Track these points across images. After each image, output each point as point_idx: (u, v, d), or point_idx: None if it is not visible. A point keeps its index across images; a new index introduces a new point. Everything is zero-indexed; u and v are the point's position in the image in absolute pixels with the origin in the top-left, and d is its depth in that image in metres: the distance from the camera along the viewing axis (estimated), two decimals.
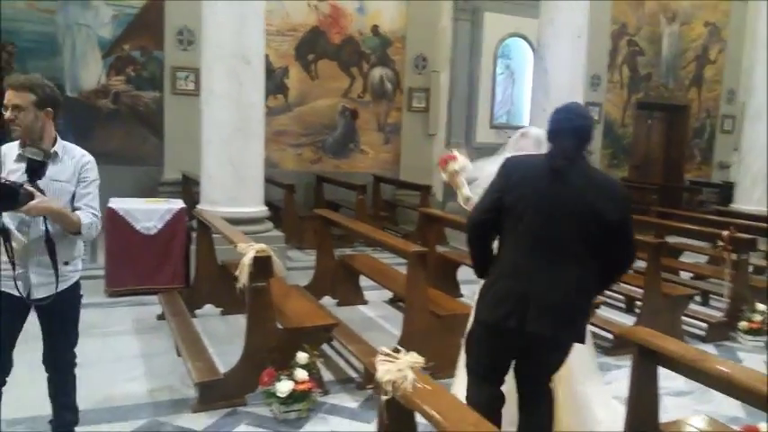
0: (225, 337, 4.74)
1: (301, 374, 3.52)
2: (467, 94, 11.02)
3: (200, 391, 3.54)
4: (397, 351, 2.15)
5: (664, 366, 2.44)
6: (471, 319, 2.87)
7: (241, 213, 5.90)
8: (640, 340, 2.45)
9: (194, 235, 5.72)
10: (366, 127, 10.40)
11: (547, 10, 7.39)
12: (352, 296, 5.71)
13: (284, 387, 3.45)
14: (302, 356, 3.59)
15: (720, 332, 5.44)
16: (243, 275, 3.48)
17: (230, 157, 5.90)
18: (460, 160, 3.63)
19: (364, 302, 5.80)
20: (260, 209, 6.20)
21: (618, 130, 12.53)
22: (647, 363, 2.46)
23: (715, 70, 13.26)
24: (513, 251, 2.51)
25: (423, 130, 10.72)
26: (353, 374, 4.20)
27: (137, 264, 5.60)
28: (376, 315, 5.55)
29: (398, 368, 2.03)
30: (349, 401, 3.79)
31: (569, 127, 2.56)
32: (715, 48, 13.16)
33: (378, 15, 10.15)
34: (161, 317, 5.02)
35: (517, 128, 10.94)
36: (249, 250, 3.54)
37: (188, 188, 8.47)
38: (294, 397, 3.46)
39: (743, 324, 5.34)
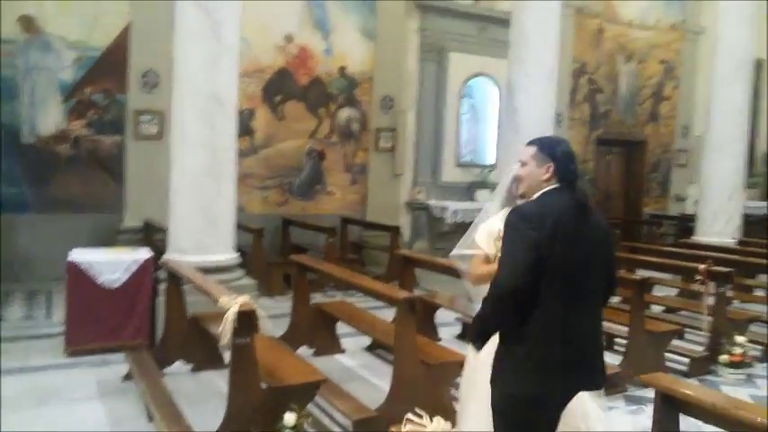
0: (198, 396, 4.46)
1: None
2: (433, 133, 11.02)
3: None
4: (420, 416, 1.94)
5: (687, 414, 2.30)
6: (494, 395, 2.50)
7: (211, 262, 5.65)
8: (663, 388, 2.31)
9: (161, 287, 5.46)
10: (333, 168, 10.27)
11: (517, 50, 7.46)
12: (330, 345, 5.48)
13: None
14: (290, 418, 3.35)
15: (702, 366, 5.40)
16: (226, 332, 3.24)
17: (201, 203, 5.67)
18: None
19: (341, 351, 5.57)
20: (231, 256, 5.96)
21: (580, 166, 12.67)
22: (668, 409, 2.33)
23: (670, 106, 13.64)
24: (557, 308, 2.31)
25: (390, 170, 10.65)
26: (337, 430, 3.95)
27: (99, 320, 5.26)
28: (356, 364, 5.32)
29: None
30: None
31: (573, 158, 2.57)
32: (669, 85, 13.57)
33: (345, 57, 10.12)
34: (127, 377, 4.70)
35: (482, 166, 11.30)
36: (232, 304, 3.31)
37: (150, 236, 8.16)
38: None
39: (724, 357, 5.30)
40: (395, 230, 8.86)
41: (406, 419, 2.01)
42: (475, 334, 2.49)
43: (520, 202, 2.87)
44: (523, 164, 2.66)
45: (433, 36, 10.82)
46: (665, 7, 13.25)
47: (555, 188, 2.54)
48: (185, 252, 5.60)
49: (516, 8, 7.52)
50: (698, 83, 13.86)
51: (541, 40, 7.40)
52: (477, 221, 3.40)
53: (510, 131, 7.50)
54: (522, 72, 7.44)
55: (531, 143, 2.70)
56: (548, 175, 2.55)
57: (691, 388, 2.30)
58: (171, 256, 5.67)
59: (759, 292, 7.52)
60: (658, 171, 13.64)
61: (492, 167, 11.53)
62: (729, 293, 7.15)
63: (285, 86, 9.74)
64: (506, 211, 3.15)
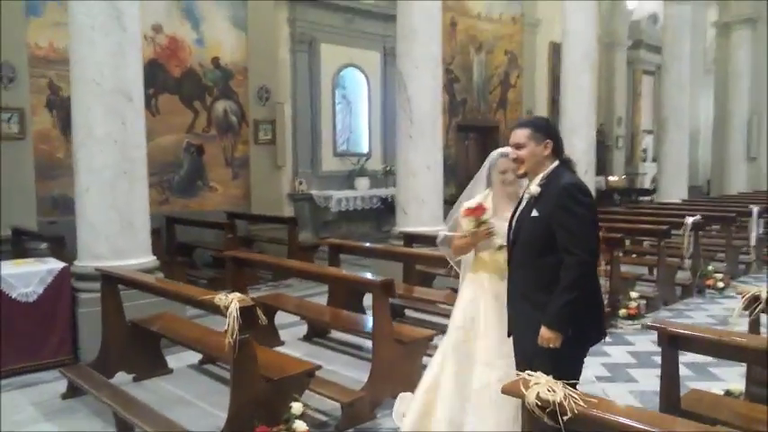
0: (161, 403, 4.24)
1: (301, 426, 3.32)
2: (310, 124, 11.09)
3: None
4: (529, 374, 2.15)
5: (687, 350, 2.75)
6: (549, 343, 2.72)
7: (130, 267, 5.33)
8: (667, 331, 2.73)
9: (81, 296, 5.10)
10: (213, 162, 9.97)
11: (405, 43, 7.79)
12: (271, 338, 5.44)
13: None
14: (297, 406, 3.40)
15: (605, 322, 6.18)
16: (233, 329, 3.19)
17: (115, 204, 5.33)
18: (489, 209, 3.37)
19: (281, 343, 5.56)
20: (149, 259, 5.66)
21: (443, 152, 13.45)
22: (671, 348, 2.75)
23: (515, 93, 14.91)
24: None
25: (271, 162, 10.56)
26: (323, 418, 4.03)
27: (17, 338, 4.78)
28: (302, 354, 5.34)
29: (549, 387, 2.02)
30: None
31: None
32: (514, 73, 14.81)
33: (217, 47, 9.84)
34: (67, 396, 4.36)
35: (358, 155, 11.59)
36: (230, 301, 3.27)
37: (21, 245, 7.45)
38: None
39: (623, 311, 6.10)
40: (292, 222, 8.85)
41: (518, 376, 2.18)
42: (569, 310, 2.64)
43: (522, 183, 3.16)
44: (520, 146, 2.90)
45: (304, 27, 10.86)
46: (507, 1, 14.41)
47: (560, 164, 2.87)
48: (101, 258, 5.24)
49: (402, 5, 7.84)
50: (537, 71, 15.31)
51: (427, 33, 7.82)
52: (460, 201, 3.66)
53: (405, 121, 7.83)
54: (412, 64, 7.80)
55: (522, 125, 2.97)
56: (548, 152, 2.87)
57: (687, 328, 2.75)
58: (84, 263, 5.30)
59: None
60: None
61: (368, 156, 11.89)
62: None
63: (157, 79, 9.25)
64: (489, 191, 3.46)
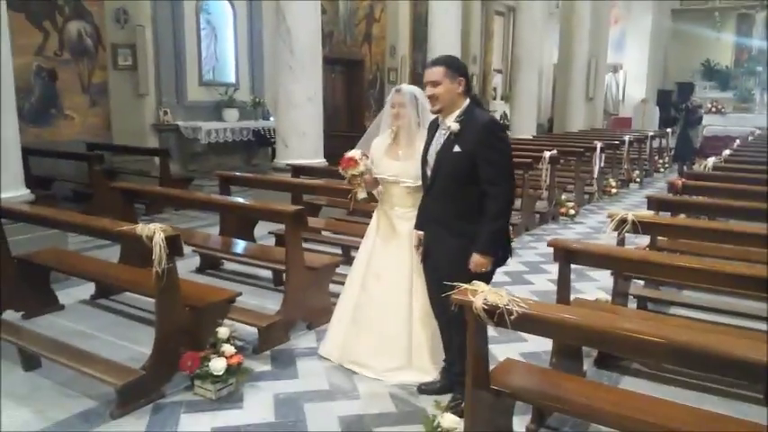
0: (63, 337, 4.13)
1: (229, 349, 3.44)
2: (173, 50, 10.53)
3: (121, 395, 3.18)
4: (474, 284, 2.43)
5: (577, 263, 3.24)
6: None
7: (5, 200, 4.95)
8: (562, 247, 3.19)
9: None
10: (68, 89, 9.22)
11: None
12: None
13: (219, 365, 3.34)
14: (224, 331, 3.49)
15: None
16: (161, 258, 3.19)
17: None
18: (362, 164, 3.58)
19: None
20: (23, 192, 5.29)
21: None
22: (565, 264, 3.22)
23: (380, 28, 15.06)
24: None
25: (132, 89, 9.96)
26: (239, 343, 4.14)
27: None
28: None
29: (494, 293, 2.31)
30: (261, 366, 3.81)
31: None
32: (378, 8, 14.91)
33: None
34: None
35: (226, 84, 11.23)
36: (153, 231, 3.26)
37: None
38: (229, 372, 3.39)
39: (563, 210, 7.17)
40: (164, 153, 8.51)
41: (460, 287, 2.44)
42: (499, 236, 2.99)
43: (433, 118, 3.39)
44: (436, 83, 3.09)
45: None
46: None
47: (472, 102, 3.15)
48: None
49: None
50: (400, 6, 15.51)
51: None
52: (368, 134, 3.87)
53: (285, 52, 7.73)
54: None
55: (435, 63, 3.16)
56: (461, 89, 3.10)
57: (578, 243, 3.23)
58: None
59: None
60: (375, 88, 15.13)
61: (236, 86, 11.55)
62: None
63: None
64: (387, 133, 3.66)
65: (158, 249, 3.21)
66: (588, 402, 2.38)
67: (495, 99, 19.96)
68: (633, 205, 9.55)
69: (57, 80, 9.02)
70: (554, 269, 3.80)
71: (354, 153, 3.63)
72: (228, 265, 5.84)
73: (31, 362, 3.68)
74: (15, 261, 4.46)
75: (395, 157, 3.58)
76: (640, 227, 3.80)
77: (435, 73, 3.08)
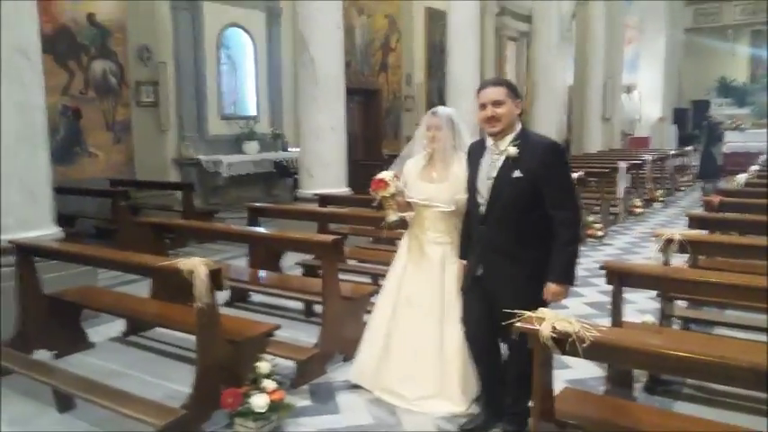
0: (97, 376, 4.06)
1: (270, 384, 3.35)
2: (194, 86, 10.64)
3: None
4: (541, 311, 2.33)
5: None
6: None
7: (34, 238, 4.95)
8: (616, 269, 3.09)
9: None
10: (93, 127, 9.30)
11: (306, 2, 7.68)
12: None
13: (261, 401, 3.25)
14: (264, 366, 3.41)
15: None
16: (204, 292, 3.13)
17: (17, 172, 4.89)
18: (392, 186, 3.53)
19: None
20: (55, 230, 5.28)
21: None
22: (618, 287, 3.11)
23: (395, 57, 15.16)
24: None
25: (155, 125, 10.06)
26: (276, 377, 4.06)
27: None
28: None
29: (561, 320, 2.21)
30: (300, 401, 3.71)
31: None
32: (394, 37, 15.04)
33: (92, 3, 9.09)
34: None
35: (246, 118, 11.30)
36: (195, 265, 3.20)
37: None
38: (271, 408, 3.30)
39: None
40: (188, 187, 8.53)
41: (522, 315, 2.35)
42: (573, 262, 2.91)
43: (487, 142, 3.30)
44: (499, 103, 2.97)
45: None
46: None
47: (522, 127, 3.06)
48: (6, 230, 4.82)
49: None
50: (415, 36, 15.63)
51: None
52: (401, 157, 3.80)
53: (309, 83, 7.76)
54: (314, 24, 7.71)
55: (496, 83, 3.06)
56: (519, 110, 3.03)
57: (632, 266, 3.13)
58: None
59: None
60: (391, 116, 15.18)
61: (255, 119, 11.63)
62: None
63: None
64: (421, 156, 3.60)
65: (200, 284, 3.15)
66: (660, 430, 2.26)
67: None
68: (659, 224, 9.40)
69: (81, 118, 9.11)
70: (600, 282, 3.79)
71: (385, 174, 3.57)
72: (256, 297, 5.77)
73: (65, 402, 3.61)
74: (47, 299, 4.42)
75: (429, 180, 3.52)
76: (689, 246, 3.69)
77: (498, 93, 2.98)
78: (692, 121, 20.00)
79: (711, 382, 2.59)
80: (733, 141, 16.73)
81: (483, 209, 3.04)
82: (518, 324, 2.30)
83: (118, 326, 4.92)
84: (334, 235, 6.55)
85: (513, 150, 2.93)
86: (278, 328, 3.75)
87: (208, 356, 3.33)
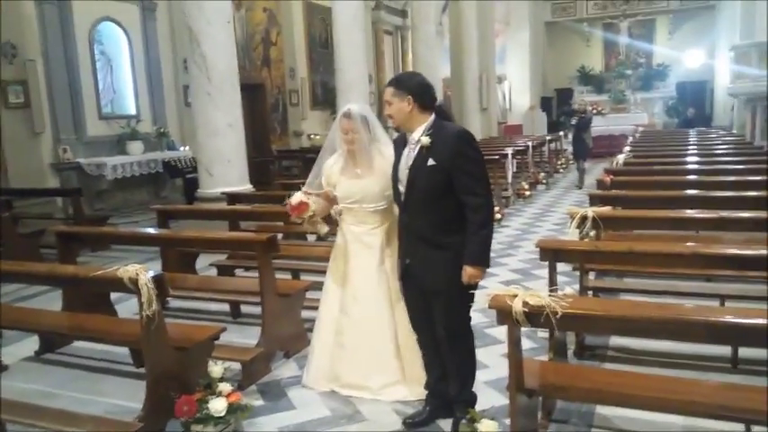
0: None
1: (226, 387, 3.28)
2: (67, 84, 9.91)
3: None
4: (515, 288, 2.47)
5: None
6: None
7: None
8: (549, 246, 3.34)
9: None
10: None
11: None
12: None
13: (220, 405, 3.18)
14: (218, 369, 3.32)
15: None
16: (151, 301, 3.00)
17: None
18: (312, 205, 3.53)
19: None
20: None
21: None
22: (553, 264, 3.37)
23: (277, 51, 14.95)
24: None
25: (27, 128, 9.30)
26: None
27: None
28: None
29: (531, 295, 2.37)
30: (252, 401, 3.61)
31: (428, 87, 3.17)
32: (274, 31, 14.82)
33: None
34: None
35: (127, 117, 10.72)
36: (137, 272, 3.07)
37: None
38: (230, 410, 3.23)
39: None
40: (76, 192, 7.97)
41: (495, 293, 2.45)
42: (487, 245, 2.95)
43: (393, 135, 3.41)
44: (389, 103, 3.12)
45: None
46: None
47: (439, 116, 3.14)
48: None
49: None
50: (295, 29, 15.51)
51: None
52: (318, 162, 3.78)
53: (202, 78, 7.52)
54: (204, 20, 7.48)
55: (388, 84, 3.19)
56: (410, 107, 3.07)
57: (564, 243, 3.39)
58: None
59: None
60: (277, 111, 14.99)
61: (137, 117, 11.05)
62: None
63: None
64: (339, 153, 3.64)
65: (146, 291, 3.02)
66: (628, 391, 2.49)
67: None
68: (547, 205, 10.09)
69: None
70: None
71: (299, 197, 3.53)
72: (174, 303, 5.55)
73: None
74: None
75: (354, 176, 3.52)
76: (600, 221, 4.04)
77: (387, 93, 3.12)
78: (557, 109, 21.44)
79: (669, 339, 2.86)
80: (596, 126, 18.17)
81: (403, 197, 3.15)
82: (490, 302, 2.44)
83: (29, 344, 4.57)
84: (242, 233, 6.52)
85: (425, 140, 3.01)
86: (224, 330, 3.66)
87: (157, 366, 3.20)
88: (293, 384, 3.87)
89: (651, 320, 2.22)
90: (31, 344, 4.56)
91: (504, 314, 2.41)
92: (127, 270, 3.10)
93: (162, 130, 11.28)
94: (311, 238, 6.75)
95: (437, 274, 3.04)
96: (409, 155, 3.13)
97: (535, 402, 2.75)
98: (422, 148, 3.05)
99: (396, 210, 3.39)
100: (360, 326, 3.58)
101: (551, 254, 3.36)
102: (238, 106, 7.91)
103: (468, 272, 2.96)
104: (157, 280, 3.09)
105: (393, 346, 3.57)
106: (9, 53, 8.99)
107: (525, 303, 2.36)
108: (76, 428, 2.96)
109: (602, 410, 3.24)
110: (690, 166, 7.03)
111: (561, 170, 14.12)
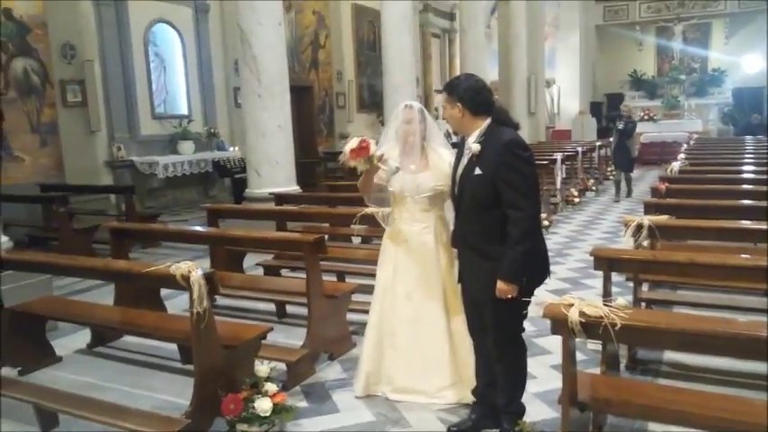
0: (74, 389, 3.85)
1: (272, 387, 3.29)
2: (122, 84, 10.17)
3: None
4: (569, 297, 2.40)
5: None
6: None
7: None
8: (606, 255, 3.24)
9: None
10: (16, 129, 8.73)
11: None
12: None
13: (265, 405, 3.19)
14: (264, 369, 3.34)
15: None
16: (202, 298, 3.03)
17: None
18: (372, 143, 3.38)
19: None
20: (3, 239, 4.96)
21: None
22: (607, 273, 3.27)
23: (325, 54, 15.07)
24: None
25: (83, 127, 9.54)
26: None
27: None
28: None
29: (589, 305, 2.29)
30: (296, 402, 3.63)
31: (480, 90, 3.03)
32: (323, 34, 14.95)
33: None
34: None
35: (179, 117, 10.94)
36: (189, 270, 3.10)
37: None
38: (275, 411, 3.24)
39: None
40: (129, 191, 8.17)
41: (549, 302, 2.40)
42: (522, 261, 2.79)
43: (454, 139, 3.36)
44: (444, 108, 3.11)
45: None
46: None
47: (495, 121, 3.01)
48: None
49: None
50: (344, 32, 15.60)
51: None
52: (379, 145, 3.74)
53: (252, 79, 7.62)
54: (255, 20, 7.58)
55: (441, 90, 3.15)
56: (461, 113, 3.00)
57: (619, 252, 3.29)
58: None
59: None
60: (324, 113, 15.09)
61: (189, 118, 11.26)
62: None
63: None
64: (392, 145, 3.59)
65: (197, 288, 3.05)
66: (686, 408, 2.39)
67: (437, 119, 20.23)
68: (597, 213, 9.87)
69: (3, 121, 8.53)
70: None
71: (362, 140, 3.36)
72: (220, 301, 5.62)
73: (48, 420, 3.41)
74: (8, 313, 4.14)
75: (409, 171, 3.47)
76: (656, 230, 3.91)
77: (439, 99, 3.21)
78: (606, 114, 20.99)
79: (733, 356, 2.75)
80: (648, 132, 17.74)
81: (456, 203, 3.11)
82: (545, 311, 2.37)
83: (81, 337, 4.69)
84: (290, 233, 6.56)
85: (475, 147, 2.93)
86: (270, 330, 3.67)
87: (206, 363, 3.23)
88: (337, 387, 3.86)
89: (717, 336, 2.12)
90: (83, 337, 4.68)
91: (559, 324, 2.34)
92: (179, 267, 3.14)
93: (212, 130, 11.48)
94: (356, 240, 6.76)
95: (482, 285, 2.96)
96: (463, 160, 3.09)
97: (587, 417, 2.66)
98: (472, 155, 2.98)
99: (451, 210, 3.33)
100: (413, 327, 3.53)
101: (606, 263, 3.26)
102: (287, 108, 7.99)
103: (498, 286, 2.85)
104: (208, 277, 3.12)
105: (448, 347, 3.51)
106: (68, 54, 9.27)
107: (582, 313, 2.28)
108: (125, 422, 3.00)
109: (655, 428, 3.13)
110: (747, 176, 6.77)
111: (611, 177, 13.75)
